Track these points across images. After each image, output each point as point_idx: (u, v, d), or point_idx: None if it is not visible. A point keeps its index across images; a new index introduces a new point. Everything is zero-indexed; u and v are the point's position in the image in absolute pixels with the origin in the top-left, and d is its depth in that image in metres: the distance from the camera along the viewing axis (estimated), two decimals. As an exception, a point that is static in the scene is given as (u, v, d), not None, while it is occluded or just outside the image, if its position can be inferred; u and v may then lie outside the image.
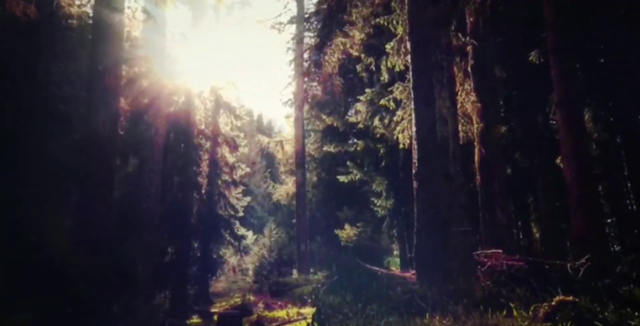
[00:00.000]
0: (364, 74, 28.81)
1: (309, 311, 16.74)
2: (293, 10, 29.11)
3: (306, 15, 23.91)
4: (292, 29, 27.80)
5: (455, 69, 17.01)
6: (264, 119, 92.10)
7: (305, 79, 27.45)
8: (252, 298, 25.43)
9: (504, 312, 7.04)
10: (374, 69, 22.54)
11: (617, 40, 16.06)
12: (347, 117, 32.25)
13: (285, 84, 34.78)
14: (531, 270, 9.36)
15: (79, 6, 18.42)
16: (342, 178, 31.05)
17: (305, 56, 24.24)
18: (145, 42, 15.88)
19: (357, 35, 17.62)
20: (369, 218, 32.26)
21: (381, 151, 28.65)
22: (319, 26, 18.79)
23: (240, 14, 27.04)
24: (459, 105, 16.89)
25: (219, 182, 30.59)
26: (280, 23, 27.10)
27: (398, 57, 16.06)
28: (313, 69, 20.43)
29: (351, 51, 18.53)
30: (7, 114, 15.58)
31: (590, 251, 10.42)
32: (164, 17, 16.49)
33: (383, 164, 28.90)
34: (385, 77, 18.68)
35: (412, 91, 9.99)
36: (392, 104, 18.30)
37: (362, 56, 20.98)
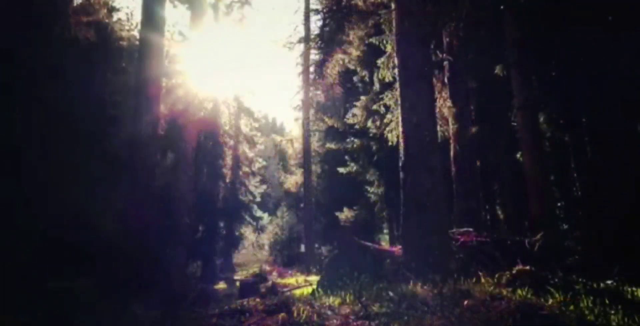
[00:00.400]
0: (359, 84, 28.85)
1: (314, 278, 16.86)
2: (301, 32, 29.11)
3: (312, 36, 23.83)
4: (301, 47, 27.79)
5: (434, 80, 16.96)
6: (277, 122, 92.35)
7: (311, 88, 27.58)
8: (267, 268, 25.58)
9: (474, 279, 7.13)
10: (367, 80, 22.56)
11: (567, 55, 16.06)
12: (345, 119, 32.25)
13: (294, 92, 34.92)
14: (496, 244, 9.45)
15: (128, 30, 18.57)
16: (341, 170, 31.11)
17: (311, 69, 24.30)
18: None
19: (354, 52, 17.69)
20: (363, 203, 32.32)
21: (374, 148, 28.66)
22: (322, 45, 18.78)
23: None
24: (437, 109, 16.87)
25: (240, 173, 30.75)
26: (291, 43, 27.05)
27: (388, 70, 16.06)
28: (317, 80, 20.48)
29: (349, 65, 18.59)
30: (69, 117, 15.72)
31: (543, 229, 10.49)
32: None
33: (375, 158, 28.92)
34: (377, 86, 18.73)
35: (399, 98, 10.01)
36: (382, 109, 18.33)
37: (358, 69, 21.02)
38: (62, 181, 14.91)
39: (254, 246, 40.66)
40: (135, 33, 18.27)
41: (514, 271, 6.91)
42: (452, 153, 16.83)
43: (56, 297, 9.84)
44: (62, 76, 15.59)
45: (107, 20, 16.76)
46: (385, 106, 17.88)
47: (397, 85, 10.56)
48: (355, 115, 27.53)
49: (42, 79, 14.94)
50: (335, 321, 5.56)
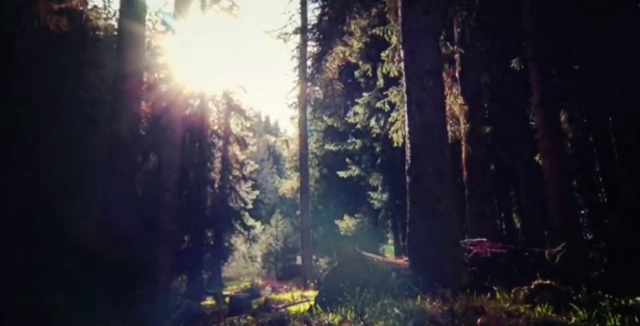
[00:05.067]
0: (361, 80, 28.88)
1: (311, 294, 16.82)
2: (297, 22, 28.97)
3: (309, 26, 23.83)
4: (297, 38, 27.71)
5: (444, 74, 16.94)
6: (271, 121, 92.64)
7: (309, 83, 27.55)
8: (260, 282, 25.53)
9: (488, 295, 7.10)
10: (370, 74, 22.59)
11: (592, 47, 16.07)
12: (346, 118, 32.30)
13: (290, 88, 34.69)
14: (512, 256, 9.42)
15: (105, 19, 18.50)
16: (342, 174, 31.13)
17: (309, 62, 24.27)
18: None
19: (356, 44, 17.66)
20: (366, 210, 32.36)
21: (377, 149, 28.70)
22: (320, 36, 18.75)
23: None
24: (447, 107, 16.84)
25: (230, 177, 30.70)
26: (286, 33, 26.97)
27: (392, 64, 16.06)
28: (315, 75, 20.47)
29: (350, 59, 18.57)
30: (40, 115, 15.67)
31: (565, 239, 10.46)
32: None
33: (379, 161, 28.96)
34: (381, 82, 18.69)
35: (404, 95, 9.98)
36: (387, 107, 18.31)
37: (360, 62, 21.02)
38: (32, 186, 14.86)
39: (246, 258, 40.56)
40: (114, 22, 18.20)
41: (532, 286, 6.86)
42: (463, 155, 16.80)
43: (22, 316, 9.76)
44: (31, 69, 15.53)
45: (81, 8, 16.66)
46: (389, 103, 17.86)
47: (403, 80, 10.53)
48: (357, 113, 27.63)
49: (8, 74, 14.89)
50: (334, 341, 5.53)
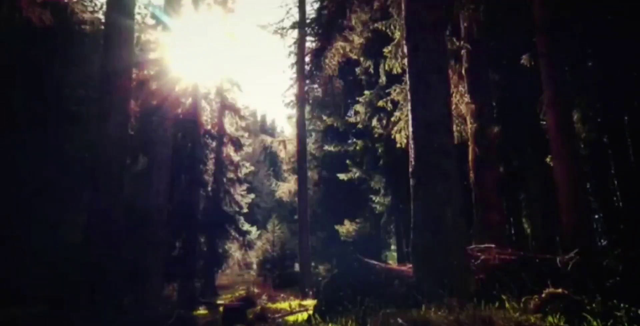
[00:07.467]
0: (362, 77, 28.87)
1: (310, 303, 16.78)
2: (295, 16, 28.95)
3: (307, 21, 23.81)
4: (294, 33, 27.69)
5: (450, 71, 16.88)
6: (268, 120, 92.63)
7: (307, 81, 27.55)
8: (256, 290, 25.49)
9: (497, 304, 7.07)
10: (372, 71, 22.58)
11: (607, 42, 16.05)
12: (346, 117, 32.27)
13: (287, 86, 34.45)
14: (522, 263, 9.39)
15: (91, 12, 18.47)
16: (342, 176, 31.10)
17: (307, 59, 24.30)
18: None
19: (357, 39, 17.66)
20: (367, 214, 32.35)
21: (380, 151, 28.66)
22: (319, 31, 18.74)
23: None
24: (453, 106, 16.79)
25: (224, 180, 30.70)
26: (283, 28, 26.98)
27: (396, 60, 16.03)
28: (314, 72, 20.45)
29: (351, 55, 18.56)
30: (23, 114, 15.64)
31: (577, 246, 10.43)
32: None
33: (381, 162, 28.91)
34: (383, 79, 18.64)
35: (408, 93, 9.96)
36: (389, 106, 18.27)
37: (361, 59, 21.00)
38: (13, 190, 14.82)
39: (240, 265, 40.55)
40: (101, 15, 18.19)
41: (543, 295, 6.85)
42: (470, 157, 16.76)
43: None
44: (12, 66, 15.49)
45: (66, 0, 16.66)
46: (392, 101, 17.83)
47: (406, 78, 10.51)
48: (358, 112, 27.58)
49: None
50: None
